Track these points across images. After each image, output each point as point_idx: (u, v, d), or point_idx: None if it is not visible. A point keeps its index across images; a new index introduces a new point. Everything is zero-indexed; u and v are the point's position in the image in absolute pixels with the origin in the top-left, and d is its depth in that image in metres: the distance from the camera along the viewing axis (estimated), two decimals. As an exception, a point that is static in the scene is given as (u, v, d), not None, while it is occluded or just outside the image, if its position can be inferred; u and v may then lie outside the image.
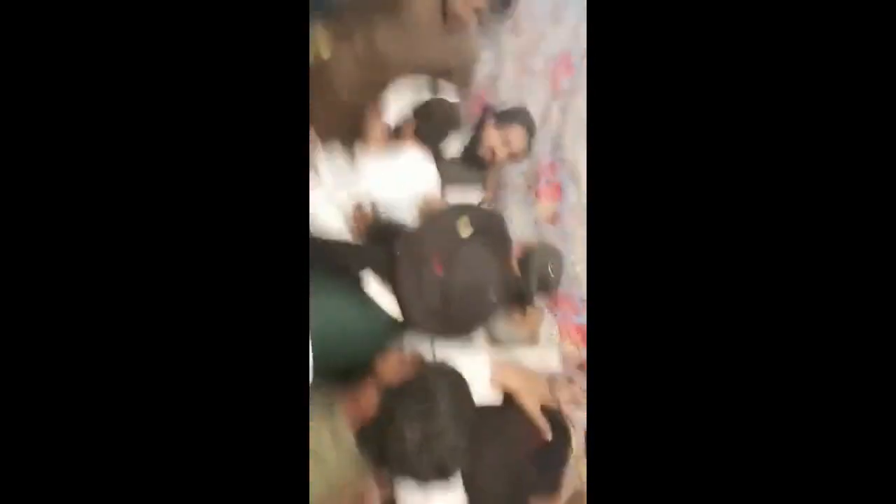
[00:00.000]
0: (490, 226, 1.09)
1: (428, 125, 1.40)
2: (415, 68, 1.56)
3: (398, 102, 1.46)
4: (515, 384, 0.99)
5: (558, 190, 1.64)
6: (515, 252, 1.36)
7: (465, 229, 1.02)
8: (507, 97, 1.76)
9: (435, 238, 0.98)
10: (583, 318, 1.58)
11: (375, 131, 1.42)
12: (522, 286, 1.33)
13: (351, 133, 1.49)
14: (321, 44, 1.69)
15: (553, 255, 1.38)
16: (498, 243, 1.09)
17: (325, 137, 1.50)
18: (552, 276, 1.36)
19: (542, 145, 1.65)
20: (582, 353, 1.59)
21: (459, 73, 1.66)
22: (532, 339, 1.46)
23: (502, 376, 0.99)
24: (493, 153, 1.52)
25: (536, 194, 1.68)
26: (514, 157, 1.54)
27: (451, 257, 0.96)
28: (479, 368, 0.98)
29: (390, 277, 0.99)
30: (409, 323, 1.01)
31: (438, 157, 1.49)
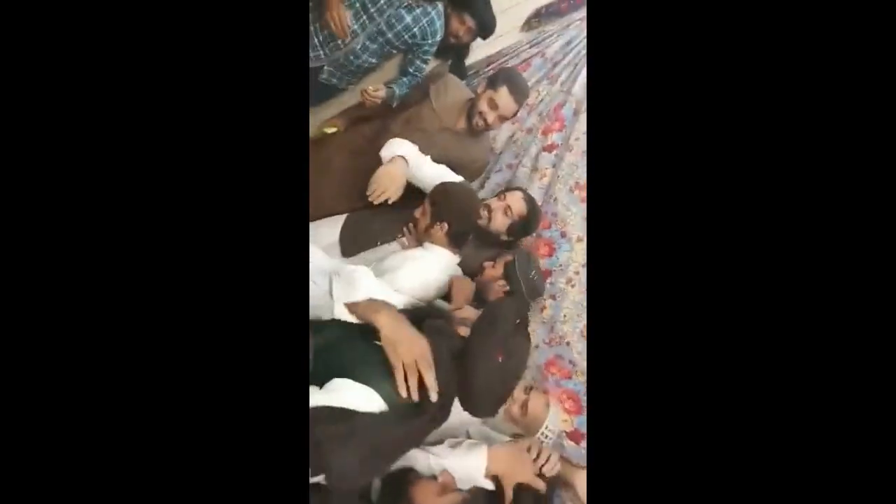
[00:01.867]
0: (523, 315, 1.22)
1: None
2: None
3: None
4: (502, 469, 1.08)
5: (550, 246, 1.58)
6: (498, 266, 1.44)
7: None
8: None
9: (498, 327, 1.09)
10: (573, 384, 1.46)
11: None
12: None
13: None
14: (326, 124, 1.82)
15: (531, 261, 1.43)
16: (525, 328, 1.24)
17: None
18: (536, 279, 1.41)
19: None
20: (573, 423, 1.46)
21: (472, 170, 1.70)
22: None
23: (493, 464, 1.08)
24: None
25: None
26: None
27: (508, 346, 1.07)
28: (476, 462, 1.07)
29: (458, 364, 1.06)
30: (470, 409, 1.07)
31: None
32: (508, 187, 1.63)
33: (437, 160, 1.59)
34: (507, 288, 1.41)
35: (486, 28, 1.71)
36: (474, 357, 1.05)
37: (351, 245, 1.53)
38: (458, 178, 1.51)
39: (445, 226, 1.35)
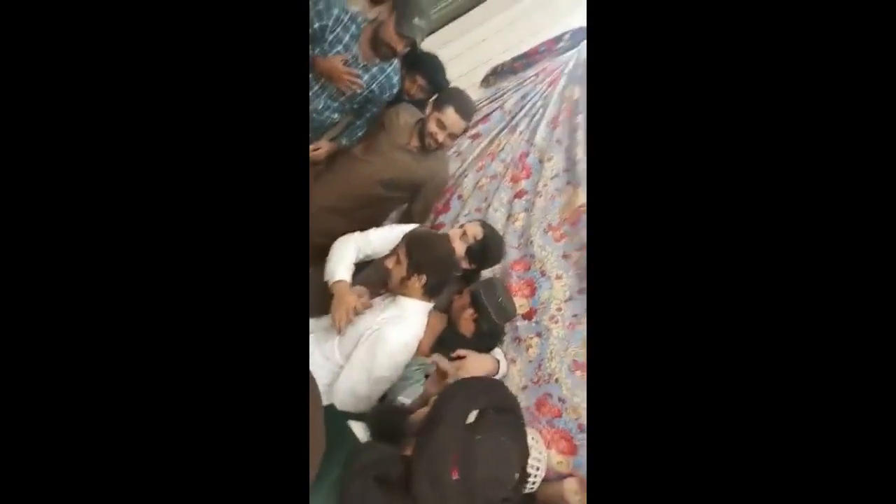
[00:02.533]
0: (504, 403, 1.00)
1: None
2: (388, 184, 1.67)
3: None
4: None
5: (532, 286, 1.62)
6: (465, 295, 1.44)
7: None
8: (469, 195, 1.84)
9: (449, 436, 0.86)
10: (565, 423, 1.46)
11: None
12: (485, 325, 1.41)
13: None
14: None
15: (497, 285, 1.46)
16: (514, 422, 0.98)
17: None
18: (504, 302, 1.43)
19: (509, 240, 1.68)
20: (570, 464, 1.45)
21: (431, 190, 1.76)
22: None
23: None
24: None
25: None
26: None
27: (468, 455, 0.84)
28: None
29: (404, 484, 0.86)
30: None
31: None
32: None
33: (398, 179, 1.68)
34: (476, 315, 1.43)
35: (438, 87, 1.83)
36: (419, 484, 0.81)
37: (316, 308, 1.47)
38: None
39: (424, 278, 1.31)
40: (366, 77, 1.63)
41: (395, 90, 1.72)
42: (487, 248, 1.55)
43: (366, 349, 1.27)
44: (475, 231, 1.53)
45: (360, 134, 1.81)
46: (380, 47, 1.54)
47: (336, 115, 1.73)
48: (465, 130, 1.71)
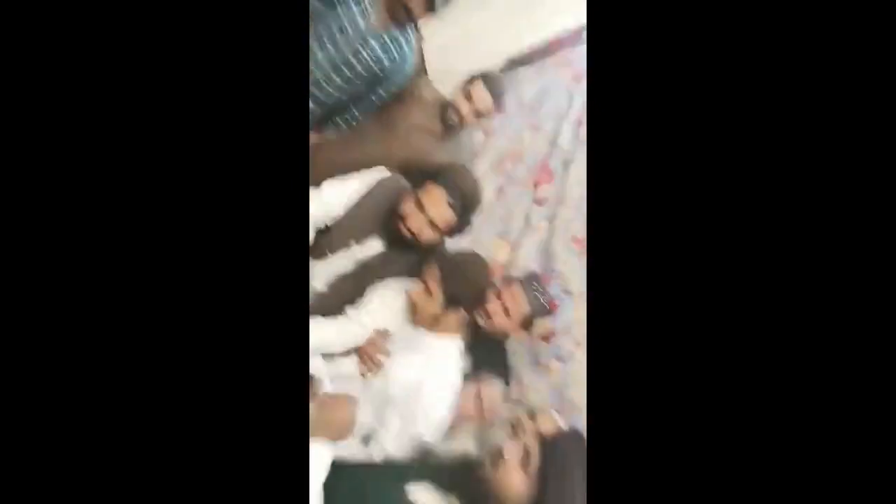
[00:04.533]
0: None
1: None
2: (404, 167, 1.48)
3: None
4: None
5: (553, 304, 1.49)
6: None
7: None
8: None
9: None
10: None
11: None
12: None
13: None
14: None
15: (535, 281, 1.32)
16: None
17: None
18: (542, 299, 1.30)
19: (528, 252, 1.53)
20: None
21: (451, 174, 1.57)
22: None
23: None
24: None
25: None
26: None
27: None
28: None
29: None
30: None
31: None
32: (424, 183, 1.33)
33: (410, 164, 1.45)
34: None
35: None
36: None
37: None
38: None
39: (463, 312, 1.09)
40: (378, 49, 1.35)
41: (408, 75, 1.47)
42: (466, 199, 1.27)
43: (402, 414, 1.06)
44: (445, 216, 1.24)
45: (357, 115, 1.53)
46: (397, 10, 1.29)
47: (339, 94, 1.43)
48: (491, 112, 1.55)
